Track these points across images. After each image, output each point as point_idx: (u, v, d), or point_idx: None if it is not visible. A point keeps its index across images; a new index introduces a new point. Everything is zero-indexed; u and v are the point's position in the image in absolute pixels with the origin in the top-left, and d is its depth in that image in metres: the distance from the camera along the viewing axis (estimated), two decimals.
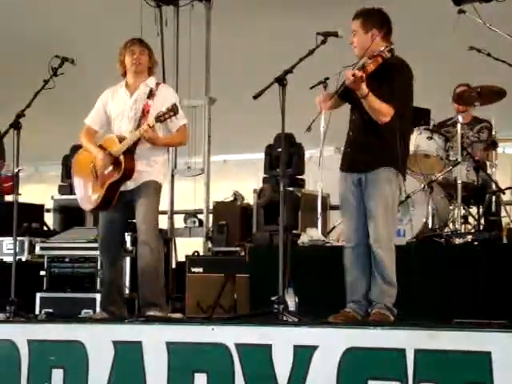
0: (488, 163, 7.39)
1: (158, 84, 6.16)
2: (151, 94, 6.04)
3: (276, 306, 4.96)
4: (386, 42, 5.35)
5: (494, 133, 7.37)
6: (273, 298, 4.99)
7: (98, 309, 6.87)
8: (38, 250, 8.21)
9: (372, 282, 5.28)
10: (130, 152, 5.92)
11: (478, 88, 7.24)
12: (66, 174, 8.90)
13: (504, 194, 7.27)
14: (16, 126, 5.92)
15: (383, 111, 5.21)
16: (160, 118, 5.81)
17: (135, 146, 5.94)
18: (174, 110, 5.80)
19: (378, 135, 5.27)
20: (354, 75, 5.12)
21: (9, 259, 8.08)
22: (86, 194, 6.14)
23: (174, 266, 8.75)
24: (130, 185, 5.99)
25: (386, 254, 5.23)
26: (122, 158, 5.91)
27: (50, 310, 7.27)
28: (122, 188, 5.98)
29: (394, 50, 5.33)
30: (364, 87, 5.15)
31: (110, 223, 6.06)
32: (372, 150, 5.29)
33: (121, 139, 5.96)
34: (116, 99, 6.15)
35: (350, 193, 5.36)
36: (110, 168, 5.95)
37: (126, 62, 6.10)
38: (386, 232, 5.25)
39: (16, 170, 6.10)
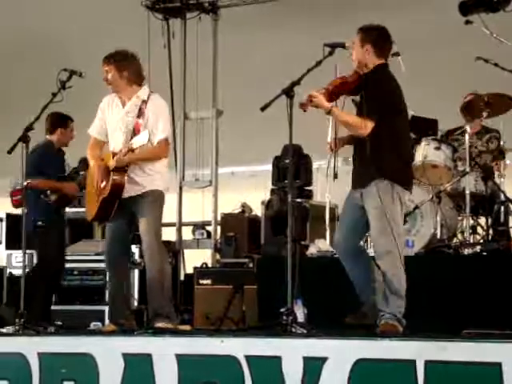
0: (496, 173, 7.37)
1: (149, 95, 6.02)
2: (141, 113, 5.95)
3: (285, 318, 4.95)
4: (380, 58, 5.44)
5: (502, 143, 7.36)
6: (282, 310, 4.98)
7: (106, 321, 6.87)
8: None
9: (381, 292, 5.31)
10: (119, 169, 5.89)
11: (486, 97, 7.23)
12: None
13: None
14: (24, 139, 5.93)
15: (356, 124, 5.31)
16: (132, 150, 5.80)
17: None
18: (147, 138, 5.73)
19: (368, 149, 5.33)
20: (309, 96, 5.25)
21: (18, 272, 8.09)
22: (88, 206, 6.16)
23: (182, 277, 8.77)
24: (129, 193, 5.95)
25: (387, 265, 5.26)
26: (110, 174, 5.91)
27: (59, 323, 7.27)
28: (124, 196, 5.94)
29: (385, 67, 5.45)
30: (325, 104, 5.26)
31: (115, 235, 6.06)
32: (365, 164, 5.38)
33: (114, 155, 5.96)
34: (111, 110, 6.10)
35: (351, 208, 5.47)
36: (104, 183, 5.96)
37: None
38: (382, 244, 5.29)
39: (25, 184, 6.11)
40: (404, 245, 5.61)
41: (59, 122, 7.32)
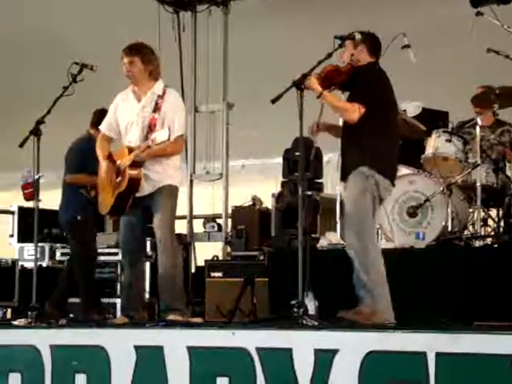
0: (508, 165, 7.35)
1: (164, 90, 6.03)
2: (157, 108, 5.96)
3: (296, 310, 4.97)
4: (372, 57, 5.59)
5: None
6: (293, 302, 5.00)
7: (118, 313, 6.90)
8: (58, 256, 8.29)
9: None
10: (136, 164, 5.92)
11: (497, 89, 7.20)
12: None
13: None
14: (36, 132, 5.95)
15: (347, 108, 5.42)
16: (149, 148, 5.80)
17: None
18: (167, 137, 5.72)
19: (349, 141, 5.50)
20: (303, 75, 5.31)
21: (30, 265, 8.15)
22: (103, 199, 6.18)
23: (193, 270, 8.78)
24: (145, 190, 5.99)
25: (355, 254, 5.37)
26: (127, 169, 5.92)
27: (72, 315, 7.30)
28: (139, 194, 5.99)
29: (377, 65, 5.59)
30: (317, 86, 5.35)
31: (130, 228, 6.09)
32: (346, 156, 5.53)
33: (130, 150, 5.96)
34: (125, 106, 6.10)
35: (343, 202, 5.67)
36: (120, 178, 5.98)
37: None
38: (351, 233, 5.43)
39: (36, 177, 6.14)
40: (375, 236, 5.75)
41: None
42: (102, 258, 7.68)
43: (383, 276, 5.39)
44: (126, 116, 6.07)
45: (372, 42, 5.63)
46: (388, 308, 5.35)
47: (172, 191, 6.04)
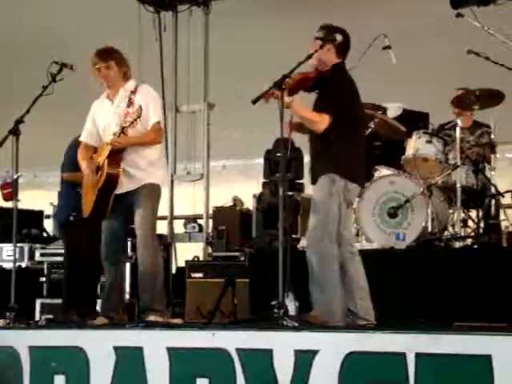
0: (487, 166, 7.39)
1: (136, 87, 6.06)
2: (130, 102, 5.97)
3: (276, 311, 4.96)
4: (339, 57, 5.55)
5: (493, 136, 7.37)
6: (273, 303, 4.99)
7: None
8: (37, 257, 8.23)
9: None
10: (112, 158, 5.90)
11: (477, 91, 7.24)
12: None
13: (503, 197, 7.26)
14: (15, 132, 5.92)
15: (314, 119, 5.44)
16: (123, 130, 5.80)
17: (119, 152, 5.93)
18: (138, 113, 5.76)
19: (317, 147, 5.53)
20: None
21: (8, 265, 8.09)
22: (85, 201, 6.15)
23: (173, 271, 8.76)
24: (125, 187, 5.96)
25: (312, 256, 5.44)
26: (105, 163, 5.90)
27: (50, 316, 7.26)
28: (119, 191, 5.95)
29: (342, 66, 5.57)
30: (285, 98, 5.31)
31: (111, 230, 6.07)
32: (314, 161, 5.57)
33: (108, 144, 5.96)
34: (101, 112, 6.13)
35: None
36: (99, 173, 5.96)
37: (97, 80, 6.06)
38: (312, 236, 5.49)
39: (15, 176, 6.09)
40: (334, 238, 5.60)
41: None
42: None
43: (337, 278, 5.42)
44: (103, 119, 6.10)
45: (341, 42, 5.57)
46: (340, 310, 5.37)
47: (154, 190, 6.02)
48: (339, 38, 5.52)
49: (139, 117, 5.78)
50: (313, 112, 5.50)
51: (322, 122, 5.42)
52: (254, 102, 5.32)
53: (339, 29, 5.60)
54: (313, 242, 5.50)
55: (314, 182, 5.59)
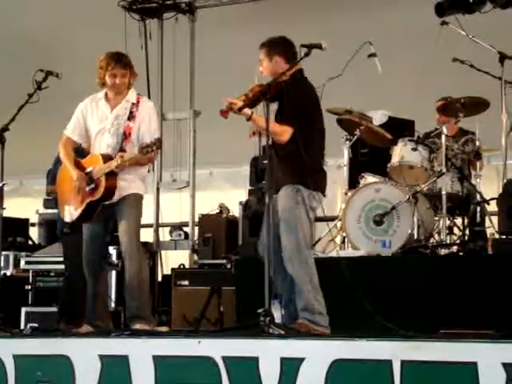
0: (473, 173, 7.42)
1: (138, 99, 6.07)
2: (132, 116, 5.99)
3: (262, 319, 4.96)
4: (292, 64, 5.52)
5: (477, 144, 7.40)
6: (259, 311, 4.99)
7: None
8: (22, 265, 8.18)
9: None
10: (112, 173, 5.91)
11: (462, 99, 7.27)
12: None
13: (489, 204, 7.29)
14: (0, 139, 5.90)
15: (276, 131, 5.43)
16: (143, 151, 5.81)
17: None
18: (157, 145, 5.79)
19: (280, 156, 5.51)
20: (229, 103, 5.37)
21: None
22: (68, 207, 6.12)
23: (159, 279, 8.74)
24: (113, 198, 5.97)
25: (291, 267, 5.39)
26: (103, 178, 5.90)
27: (35, 325, 7.22)
28: (106, 202, 5.96)
29: (302, 73, 5.56)
30: (245, 111, 5.35)
31: (92, 238, 6.05)
32: (277, 170, 5.50)
33: (105, 159, 5.93)
34: (96, 113, 6.09)
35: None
36: (92, 186, 5.94)
37: (107, 82, 6.02)
38: (288, 247, 5.41)
39: (0, 184, 6.07)
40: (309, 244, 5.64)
41: None
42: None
43: (317, 282, 5.42)
44: (98, 123, 6.07)
45: (284, 49, 5.58)
46: (324, 316, 5.37)
47: (137, 199, 6.03)
48: (325, 45, 5.50)
49: (158, 149, 5.82)
50: (275, 124, 5.46)
51: (283, 133, 5.42)
52: (240, 109, 5.36)
53: (279, 38, 5.62)
54: (290, 254, 5.42)
55: (276, 190, 5.51)
